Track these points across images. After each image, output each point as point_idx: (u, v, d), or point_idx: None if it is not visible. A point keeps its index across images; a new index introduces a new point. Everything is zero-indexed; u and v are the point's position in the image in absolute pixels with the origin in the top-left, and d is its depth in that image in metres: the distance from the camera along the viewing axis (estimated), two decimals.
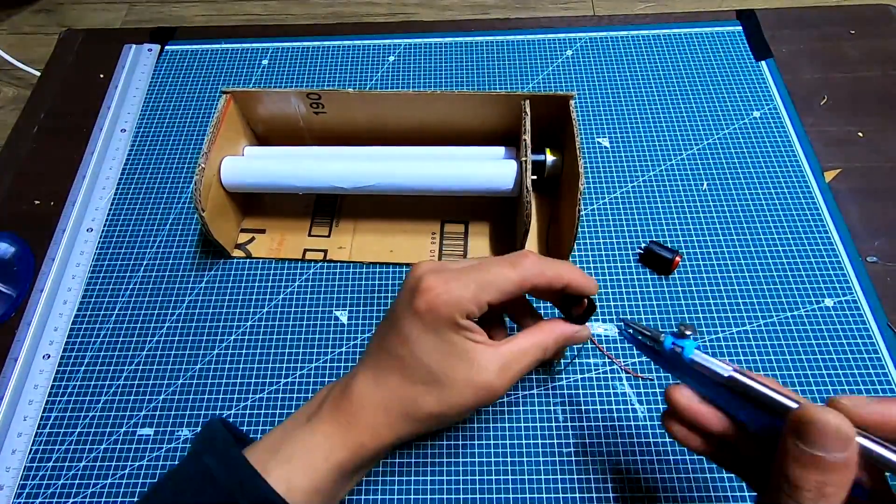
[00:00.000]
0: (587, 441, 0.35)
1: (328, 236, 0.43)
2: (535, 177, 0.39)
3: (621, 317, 0.36)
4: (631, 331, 0.28)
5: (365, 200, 0.44)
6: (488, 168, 0.39)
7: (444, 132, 0.43)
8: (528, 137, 0.37)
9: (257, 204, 0.45)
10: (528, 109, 0.39)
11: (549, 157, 0.41)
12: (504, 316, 0.34)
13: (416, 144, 0.43)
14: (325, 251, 0.42)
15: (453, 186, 0.39)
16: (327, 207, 0.44)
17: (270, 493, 0.26)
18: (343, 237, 0.43)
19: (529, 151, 0.37)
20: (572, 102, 0.39)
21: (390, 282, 0.41)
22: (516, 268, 0.29)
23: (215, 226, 0.39)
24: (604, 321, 0.39)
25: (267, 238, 0.43)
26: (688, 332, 0.26)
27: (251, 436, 0.36)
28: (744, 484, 0.33)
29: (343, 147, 0.43)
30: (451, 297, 0.28)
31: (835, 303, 0.39)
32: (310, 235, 0.43)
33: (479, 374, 0.28)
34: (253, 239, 0.43)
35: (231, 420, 0.37)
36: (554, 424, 0.36)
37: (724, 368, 0.24)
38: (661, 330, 0.27)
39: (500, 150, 0.41)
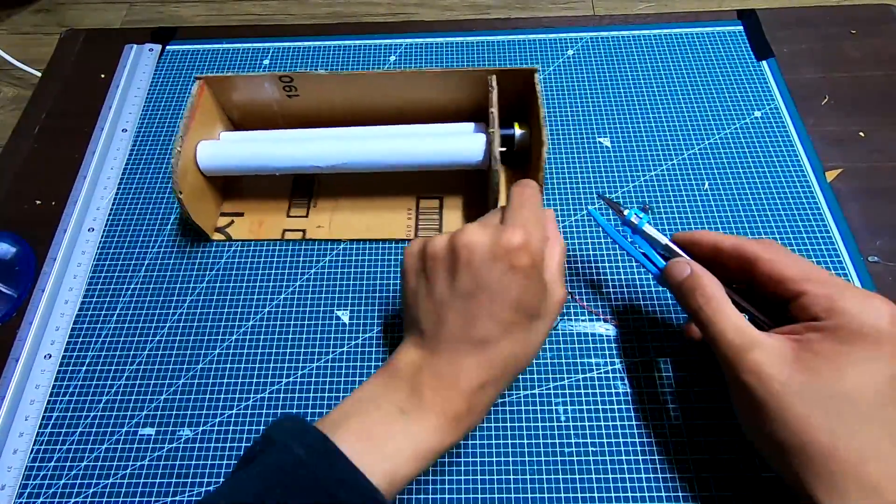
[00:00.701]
0: (587, 441, 0.35)
1: (306, 216, 0.44)
2: (503, 149, 0.40)
3: (599, 194, 0.40)
4: (603, 205, 0.37)
5: (341, 180, 0.44)
6: (459, 142, 0.40)
7: (417, 111, 0.44)
8: (495, 110, 0.38)
9: (236, 188, 0.45)
10: (494, 84, 0.40)
11: (518, 131, 0.42)
12: None
13: (390, 123, 0.43)
14: (304, 231, 0.43)
15: (425, 161, 0.41)
16: (304, 189, 0.45)
17: (375, 492, 0.25)
18: (321, 216, 0.44)
19: (497, 123, 0.38)
20: (537, 76, 0.41)
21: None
22: (533, 191, 0.33)
23: (194, 209, 0.40)
24: (603, 321, 0.39)
25: (246, 220, 0.44)
26: (647, 209, 0.42)
27: (252, 437, 0.36)
28: (746, 484, 0.33)
29: (317, 129, 0.44)
30: (538, 242, 0.30)
31: None
32: (288, 216, 0.44)
33: (555, 294, 0.32)
34: (232, 222, 0.44)
35: (232, 420, 0.37)
36: (554, 424, 0.36)
37: (662, 238, 0.34)
38: (627, 206, 0.36)
39: (470, 125, 0.43)
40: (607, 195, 0.43)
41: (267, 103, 0.44)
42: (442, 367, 0.29)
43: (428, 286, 0.31)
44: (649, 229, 0.34)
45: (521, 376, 0.37)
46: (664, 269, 0.33)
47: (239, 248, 0.43)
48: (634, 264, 0.41)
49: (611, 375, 0.37)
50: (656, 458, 0.34)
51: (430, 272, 0.31)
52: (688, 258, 0.32)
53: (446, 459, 0.35)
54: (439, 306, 0.30)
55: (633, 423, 0.36)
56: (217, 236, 0.44)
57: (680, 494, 0.33)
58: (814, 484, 0.24)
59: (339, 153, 0.40)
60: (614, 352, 0.38)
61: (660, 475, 0.34)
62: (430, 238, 0.32)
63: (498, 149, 0.38)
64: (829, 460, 0.24)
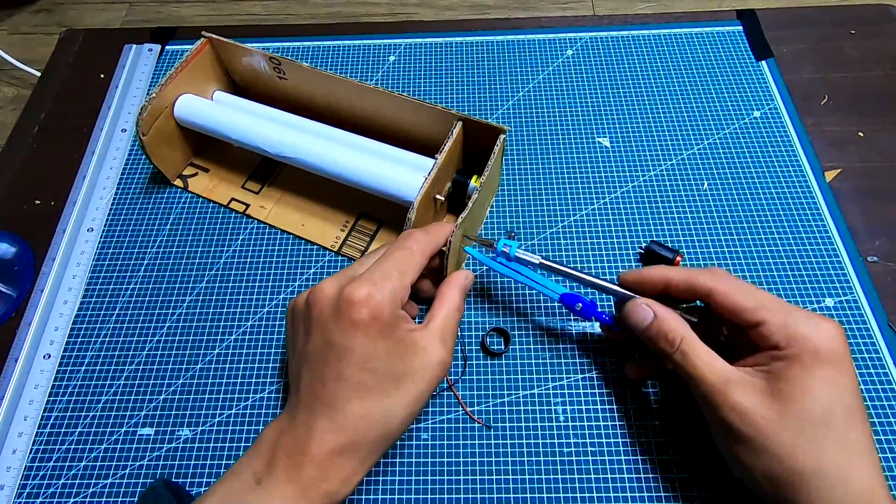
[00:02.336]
0: (586, 441, 0.35)
1: (257, 193, 0.45)
2: (441, 197, 0.38)
3: (467, 236, 0.37)
4: (476, 245, 0.37)
5: (298, 175, 0.44)
6: (401, 174, 0.39)
7: (390, 129, 0.43)
8: (441, 157, 0.37)
9: (214, 146, 0.46)
10: (455, 132, 0.38)
11: (472, 184, 0.39)
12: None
13: (363, 130, 0.43)
14: (248, 205, 0.45)
15: (362, 182, 0.40)
16: (266, 170, 0.46)
17: None
18: (267, 200, 0.45)
19: (434, 169, 0.36)
20: (503, 137, 0.38)
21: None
22: (413, 243, 0.32)
23: (157, 152, 0.43)
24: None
25: (206, 178, 0.46)
26: (513, 236, 0.41)
27: (251, 437, 0.36)
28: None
29: (293, 116, 0.44)
30: (386, 295, 0.28)
31: (835, 302, 0.39)
32: (242, 188, 0.46)
33: (431, 356, 0.29)
34: (196, 174, 0.47)
35: (231, 420, 0.37)
36: (554, 424, 0.36)
37: (535, 258, 0.35)
38: (493, 239, 0.38)
39: (431, 161, 0.39)
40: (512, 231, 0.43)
41: (265, 77, 0.45)
42: (297, 432, 0.27)
43: (292, 344, 0.30)
44: (521, 254, 0.36)
45: (519, 376, 0.37)
46: (623, 312, 0.33)
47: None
48: (633, 265, 0.41)
49: (610, 376, 0.37)
50: (655, 458, 0.34)
51: (294, 329, 0.31)
52: (644, 299, 0.32)
53: (445, 459, 0.35)
54: (299, 365, 0.29)
55: (633, 423, 0.36)
56: (177, 182, 0.46)
57: (679, 494, 0.33)
58: None
59: (289, 146, 0.41)
60: (613, 352, 0.38)
61: (659, 475, 0.34)
62: (301, 295, 0.31)
63: (422, 193, 0.36)
64: (818, 479, 0.25)
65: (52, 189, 0.47)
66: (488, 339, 0.38)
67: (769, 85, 0.49)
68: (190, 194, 0.46)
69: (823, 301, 0.39)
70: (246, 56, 0.44)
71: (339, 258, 0.42)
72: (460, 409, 0.36)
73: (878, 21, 0.53)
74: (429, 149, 0.39)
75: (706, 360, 0.29)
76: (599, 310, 0.35)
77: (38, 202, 0.47)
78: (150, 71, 0.53)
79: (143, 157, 0.48)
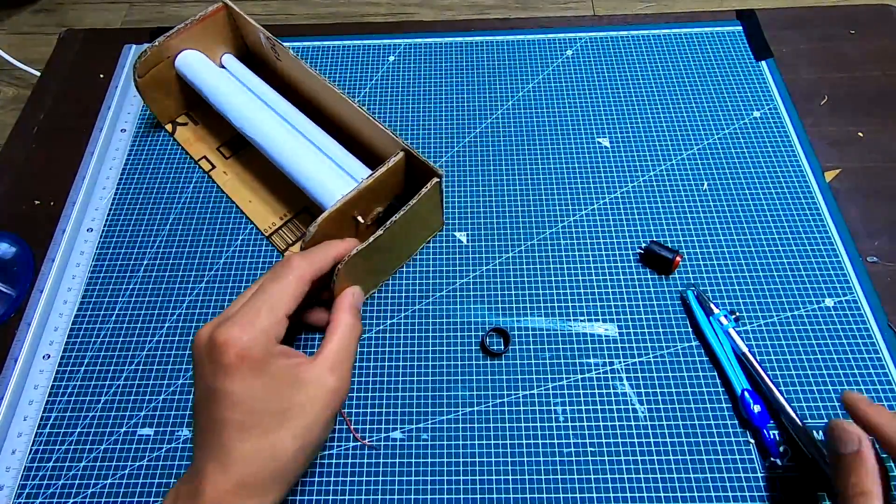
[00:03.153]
0: (587, 441, 0.35)
1: (226, 158, 0.47)
2: (362, 220, 0.37)
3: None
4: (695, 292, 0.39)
5: (262, 155, 0.43)
6: (330, 181, 0.38)
7: (352, 133, 0.43)
8: (367, 181, 0.36)
9: (207, 103, 0.46)
10: (393, 160, 0.37)
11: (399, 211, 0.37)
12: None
13: (332, 131, 0.42)
14: (214, 167, 0.47)
15: (294, 176, 0.40)
16: (240, 140, 0.48)
17: None
18: (231, 169, 0.47)
19: (356, 190, 0.35)
20: (434, 181, 0.36)
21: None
22: (289, 271, 0.30)
23: (150, 94, 0.46)
24: (603, 321, 0.39)
25: (191, 130, 0.49)
26: (737, 318, 0.38)
27: None
28: (744, 484, 0.33)
29: (278, 96, 0.45)
30: (254, 334, 0.27)
31: (835, 303, 0.39)
32: (216, 150, 0.48)
33: (318, 388, 0.28)
34: (187, 124, 0.49)
35: None
36: (554, 424, 0.36)
37: (742, 345, 0.37)
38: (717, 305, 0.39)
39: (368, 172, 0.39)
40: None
41: (266, 51, 0.46)
42: (192, 479, 0.27)
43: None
44: (734, 334, 0.37)
45: (519, 377, 0.37)
46: (829, 425, 0.31)
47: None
48: (633, 265, 0.41)
49: (609, 376, 0.37)
50: (655, 457, 0.34)
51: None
52: (860, 430, 0.29)
53: (445, 459, 0.35)
54: (194, 413, 0.29)
55: (633, 422, 0.36)
56: (168, 127, 0.49)
57: (678, 495, 0.33)
58: None
59: (250, 124, 0.43)
60: (613, 352, 0.38)
61: (658, 475, 0.34)
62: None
63: (358, 216, 0.36)
64: None
65: (51, 189, 0.47)
66: (488, 340, 0.38)
67: (769, 85, 0.49)
68: (190, 194, 0.46)
69: (823, 301, 0.39)
70: (250, 27, 0.45)
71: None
72: (459, 409, 0.36)
73: (878, 21, 0.53)
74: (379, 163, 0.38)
75: None
76: (771, 430, 0.35)
77: (37, 202, 0.47)
78: None
79: (142, 156, 0.48)
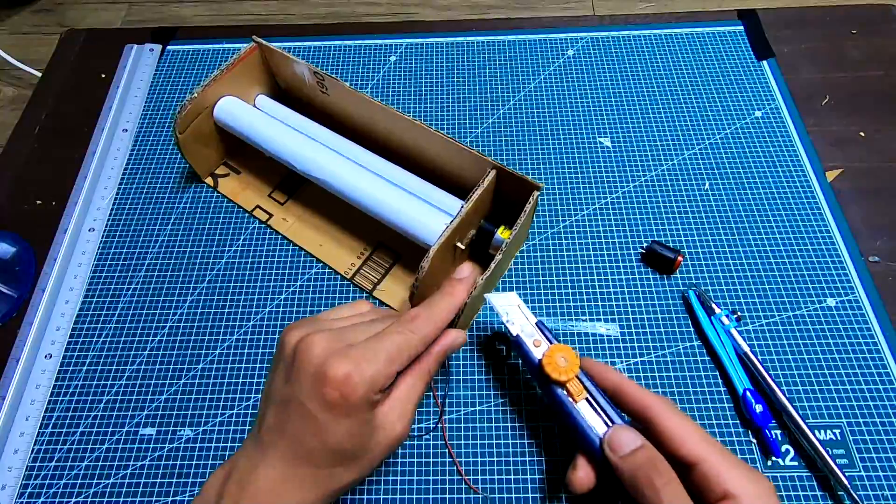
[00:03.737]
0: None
1: (282, 204, 0.45)
2: (461, 245, 0.37)
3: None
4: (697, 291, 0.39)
5: (323, 193, 0.43)
6: (423, 214, 0.37)
7: (422, 162, 0.41)
8: (467, 206, 0.35)
9: (248, 149, 0.45)
10: (486, 181, 0.36)
11: (499, 235, 0.37)
12: None
13: (396, 160, 0.42)
14: (272, 216, 0.44)
15: (382, 214, 0.39)
16: (293, 182, 0.46)
17: None
18: (290, 214, 0.45)
19: (458, 218, 0.35)
20: (536, 194, 0.36)
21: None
22: (413, 330, 0.30)
23: (192, 150, 0.43)
24: (605, 321, 0.39)
25: (236, 180, 0.46)
26: (739, 317, 0.38)
27: None
28: None
29: (329, 132, 0.44)
30: (363, 380, 0.27)
31: (837, 302, 0.39)
32: (269, 196, 0.46)
33: (389, 434, 0.29)
34: (228, 175, 0.47)
35: (232, 420, 0.37)
36: (555, 424, 0.36)
37: (744, 345, 0.37)
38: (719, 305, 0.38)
39: (457, 202, 0.38)
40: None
41: (306, 87, 0.45)
42: (241, 464, 0.28)
43: (272, 376, 0.30)
44: (736, 334, 0.37)
45: (519, 376, 0.37)
46: (606, 436, 0.29)
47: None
48: (635, 264, 0.41)
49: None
50: None
51: (276, 363, 0.30)
52: (635, 431, 0.29)
53: (445, 459, 0.35)
54: (268, 402, 0.29)
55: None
56: (208, 180, 0.46)
57: None
58: None
59: (317, 165, 0.41)
60: (615, 352, 0.38)
61: None
62: (303, 323, 0.31)
63: (442, 241, 0.34)
64: None
65: (53, 189, 0.47)
66: (493, 345, 0.38)
67: (770, 85, 0.49)
68: (189, 194, 0.46)
69: (825, 301, 0.39)
70: (292, 66, 0.43)
71: (347, 284, 0.42)
72: (461, 408, 0.36)
73: (879, 21, 0.53)
74: (459, 188, 0.38)
75: None
76: (773, 430, 0.35)
77: (39, 202, 0.47)
78: (150, 71, 0.53)
79: (144, 156, 0.48)
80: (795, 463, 0.34)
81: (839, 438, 0.35)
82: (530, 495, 0.34)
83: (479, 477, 0.34)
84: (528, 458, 0.35)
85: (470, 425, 0.36)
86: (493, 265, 0.35)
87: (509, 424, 0.36)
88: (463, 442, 0.35)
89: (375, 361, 0.28)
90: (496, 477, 0.34)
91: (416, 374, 0.30)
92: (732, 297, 0.39)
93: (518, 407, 0.36)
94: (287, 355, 0.29)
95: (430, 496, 0.34)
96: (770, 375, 0.35)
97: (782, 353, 0.37)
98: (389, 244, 0.43)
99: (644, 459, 0.27)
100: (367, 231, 0.43)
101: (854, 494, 0.32)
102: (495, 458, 0.35)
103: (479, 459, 0.35)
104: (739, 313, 0.38)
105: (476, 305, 0.38)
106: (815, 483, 0.33)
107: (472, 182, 0.37)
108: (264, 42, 0.43)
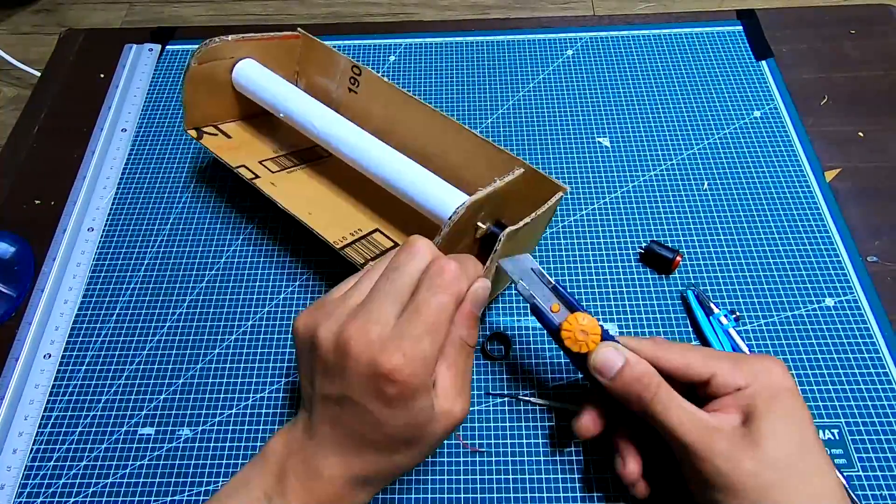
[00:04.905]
0: (586, 441, 0.35)
1: (272, 172, 0.42)
2: (483, 226, 0.35)
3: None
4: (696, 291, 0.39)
5: (316, 176, 0.42)
6: (443, 191, 0.36)
7: (438, 158, 0.40)
8: (500, 183, 0.34)
9: (248, 123, 0.45)
10: (516, 173, 0.35)
11: (504, 231, 0.35)
12: None
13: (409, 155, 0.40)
14: (258, 177, 0.41)
15: (400, 184, 0.37)
16: (287, 162, 0.44)
17: None
18: (280, 181, 0.41)
19: (491, 189, 0.33)
20: (559, 195, 0.35)
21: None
22: (447, 288, 0.27)
23: (196, 89, 0.41)
24: (604, 320, 0.39)
25: (223, 140, 0.44)
26: (738, 318, 0.38)
27: (252, 436, 0.36)
28: None
29: (347, 122, 0.41)
30: (417, 367, 0.26)
31: (835, 302, 0.39)
32: (259, 163, 0.42)
33: (447, 419, 0.27)
34: (216, 135, 0.44)
35: (231, 420, 0.37)
36: (555, 424, 0.36)
37: (743, 345, 0.37)
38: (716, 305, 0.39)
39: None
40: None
41: (330, 89, 0.45)
42: (309, 455, 0.27)
43: (311, 370, 0.28)
44: (734, 333, 0.38)
45: (520, 376, 0.37)
46: (592, 357, 0.30)
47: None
48: (633, 264, 0.41)
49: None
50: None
51: (314, 357, 0.28)
52: (616, 343, 0.30)
53: (445, 460, 0.35)
54: (316, 394, 0.28)
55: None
56: (191, 132, 0.43)
57: None
58: None
59: (338, 130, 0.39)
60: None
61: None
62: (323, 311, 0.28)
63: (479, 223, 0.33)
64: None
65: (52, 189, 0.47)
66: (489, 345, 0.38)
67: (769, 85, 0.49)
68: (188, 194, 0.46)
69: (823, 301, 0.39)
70: (326, 58, 0.43)
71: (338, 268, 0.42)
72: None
73: (878, 21, 0.53)
74: (471, 186, 0.36)
75: (688, 410, 0.28)
76: None
77: (38, 202, 0.47)
78: (150, 71, 0.53)
79: (143, 157, 0.48)
80: None
81: (838, 438, 0.35)
82: (536, 495, 0.34)
83: (479, 477, 0.34)
84: (526, 459, 0.35)
85: (468, 426, 0.36)
86: (495, 250, 0.32)
87: (507, 424, 0.36)
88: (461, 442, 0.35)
89: (421, 341, 0.26)
90: (497, 477, 0.34)
91: (456, 346, 0.28)
92: (731, 297, 0.40)
93: (519, 407, 0.36)
94: (325, 353, 0.27)
95: (429, 496, 0.34)
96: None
97: (781, 353, 0.37)
98: (387, 233, 0.40)
99: (629, 379, 0.29)
100: (366, 216, 0.41)
101: (852, 494, 0.32)
102: (493, 458, 0.35)
103: (478, 460, 0.35)
104: (738, 313, 0.38)
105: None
106: None
107: (485, 181, 0.35)
108: (310, 35, 0.44)
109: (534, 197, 0.36)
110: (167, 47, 0.55)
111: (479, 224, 0.35)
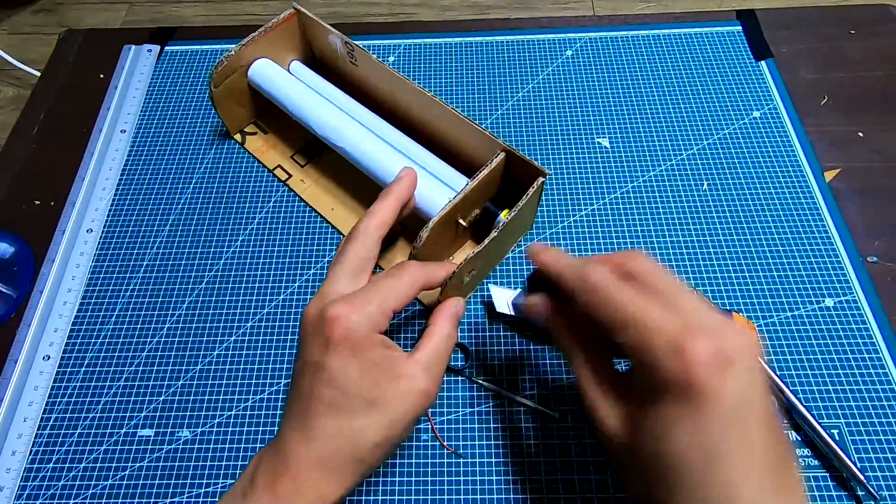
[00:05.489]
0: (589, 442, 0.35)
1: (302, 166, 0.47)
2: (464, 223, 0.37)
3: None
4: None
5: (341, 160, 0.43)
6: (429, 188, 0.38)
7: (438, 138, 0.42)
8: (472, 184, 0.36)
9: (277, 110, 0.46)
10: (494, 161, 0.37)
11: (502, 217, 0.37)
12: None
13: (415, 134, 0.42)
14: (291, 176, 0.46)
15: (389, 183, 0.38)
16: (315, 147, 0.47)
17: None
18: (308, 177, 0.46)
19: (462, 194, 0.35)
20: (541, 180, 0.36)
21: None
22: (405, 273, 0.31)
23: (224, 104, 0.46)
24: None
25: (262, 139, 0.49)
26: None
27: (252, 438, 0.36)
28: None
29: (354, 102, 0.44)
30: (361, 317, 0.28)
31: (835, 303, 0.39)
32: (291, 158, 0.47)
33: (410, 384, 0.28)
34: (256, 133, 0.49)
35: (231, 421, 0.37)
36: (555, 425, 0.36)
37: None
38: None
39: (466, 181, 0.38)
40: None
41: (339, 58, 0.46)
42: (277, 445, 0.28)
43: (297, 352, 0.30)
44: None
45: (518, 377, 0.37)
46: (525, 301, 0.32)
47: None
48: None
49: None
50: None
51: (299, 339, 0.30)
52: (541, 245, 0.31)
53: (445, 460, 0.35)
54: (291, 381, 0.29)
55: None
56: (237, 137, 0.48)
57: None
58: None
59: (335, 132, 0.42)
60: None
61: None
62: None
63: (459, 219, 0.36)
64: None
65: (51, 189, 0.47)
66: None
67: (769, 85, 0.49)
68: (187, 195, 0.46)
69: (823, 301, 0.39)
70: (326, 35, 0.44)
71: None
72: (459, 409, 0.36)
73: (878, 21, 0.53)
74: (471, 167, 0.38)
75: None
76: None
77: (37, 202, 0.47)
78: (149, 71, 0.53)
79: (142, 157, 0.48)
80: (815, 463, 0.34)
81: (838, 438, 0.34)
82: (536, 495, 0.34)
83: (479, 477, 0.34)
84: (526, 460, 0.35)
85: (468, 426, 0.36)
86: (487, 241, 0.35)
87: (507, 425, 0.36)
88: (460, 443, 0.35)
89: (368, 302, 0.29)
90: (497, 477, 0.34)
91: (435, 332, 0.30)
92: (730, 298, 0.39)
93: (518, 406, 0.36)
94: (300, 329, 0.30)
95: (428, 497, 0.34)
96: (777, 374, 0.35)
97: (780, 353, 0.37)
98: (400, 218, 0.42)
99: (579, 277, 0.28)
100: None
101: (871, 487, 0.32)
102: (493, 458, 0.35)
103: (477, 460, 0.35)
104: (737, 313, 0.38)
105: (473, 282, 0.39)
106: (829, 483, 0.33)
107: (482, 163, 0.38)
108: (303, 10, 0.45)
109: (521, 178, 0.38)
110: (166, 48, 0.55)
111: (460, 221, 0.37)
